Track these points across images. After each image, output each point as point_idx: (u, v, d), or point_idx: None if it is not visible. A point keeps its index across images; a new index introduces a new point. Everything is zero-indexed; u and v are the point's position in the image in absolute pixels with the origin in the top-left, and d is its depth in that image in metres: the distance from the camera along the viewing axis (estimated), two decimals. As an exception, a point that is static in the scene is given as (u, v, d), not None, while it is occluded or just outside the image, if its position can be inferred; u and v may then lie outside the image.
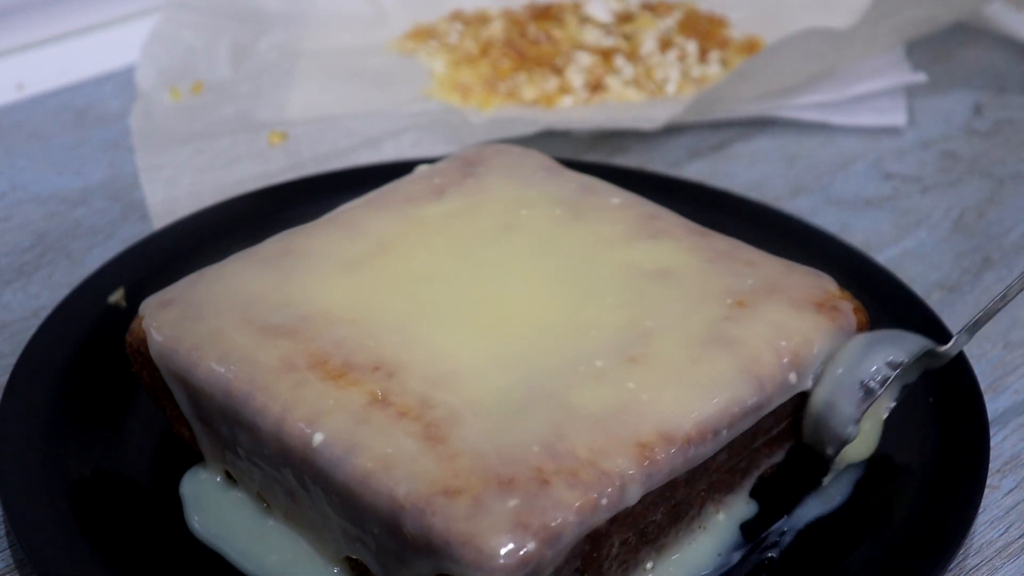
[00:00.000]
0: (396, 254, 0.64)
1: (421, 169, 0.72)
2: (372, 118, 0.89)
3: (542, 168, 0.71)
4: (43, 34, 1.03)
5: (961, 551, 0.60)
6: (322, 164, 0.83)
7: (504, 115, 0.90)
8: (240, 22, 0.98)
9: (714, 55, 0.97)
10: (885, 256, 0.79)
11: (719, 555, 0.59)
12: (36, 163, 0.89)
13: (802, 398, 0.62)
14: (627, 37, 0.98)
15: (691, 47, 0.97)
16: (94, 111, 0.95)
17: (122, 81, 0.95)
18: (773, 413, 0.60)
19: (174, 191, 0.82)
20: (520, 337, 0.59)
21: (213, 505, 0.61)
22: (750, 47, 0.99)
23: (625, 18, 0.99)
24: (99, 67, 0.99)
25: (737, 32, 1.01)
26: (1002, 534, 0.62)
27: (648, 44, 0.96)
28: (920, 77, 0.93)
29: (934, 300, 0.75)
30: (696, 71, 0.95)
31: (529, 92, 0.92)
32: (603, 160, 0.87)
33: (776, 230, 0.75)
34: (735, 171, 0.88)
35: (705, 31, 0.99)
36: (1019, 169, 0.89)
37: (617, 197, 0.69)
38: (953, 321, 0.73)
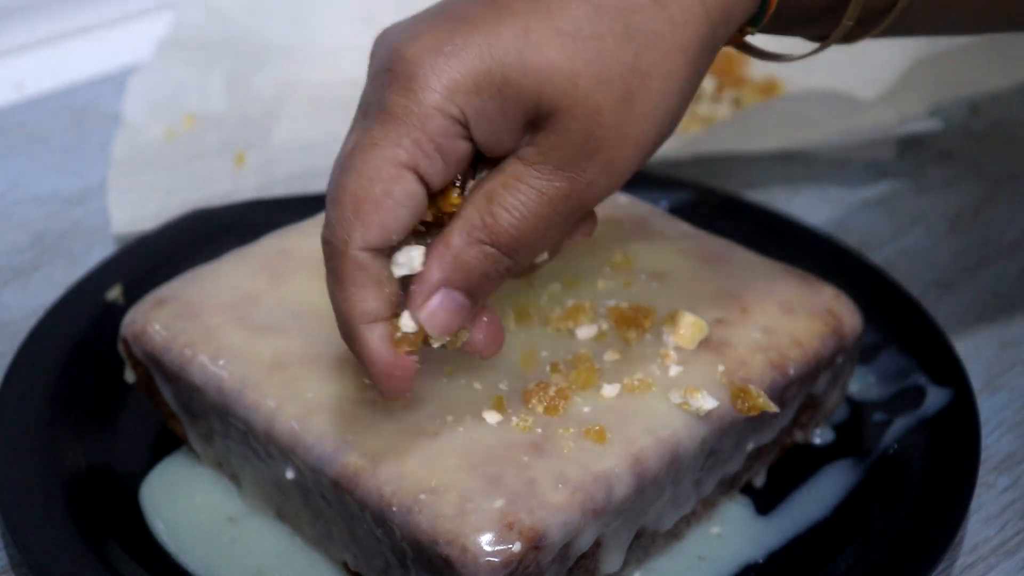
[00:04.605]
0: (390, 254, 0.64)
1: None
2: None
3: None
4: (43, 34, 1.03)
5: (956, 549, 0.61)
6: (293, 184, 0.81)
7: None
8: (236, 56, 0.96)
9: (728, 94, 0.94)
10: (881, 255, 0.79)
11: (706, 559, 0.60)
12: (35, 163, 0.89)
13: (810, 399, 0.62)
14: None
15: (708, 84, 0.94)
16: (93, 111, 0.95)
17: (121, 82, 0.95)
18: (773, 416, 0.60)
19: (140, 212, 0.80)
20: (512, 337, 0.59)
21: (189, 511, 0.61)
22: (767, 89, 0.95)
23: None
24: (99, 67, 0.99)
25: (757, 70, 0.97)
26: (998, 532, 0.62)
27: None
28: (935, 124, 0.88)
29: (930, 299, 0.75)
30: (704, 109, 0.93)
31: None
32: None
33: (772, 230, 0.75)
34: (731, 170, 0.88)
35: (722, 67, 0.95)
36: (1015, 168, 0.89)
37: (612, 198, 0.68)
38: (949, 320, 0.73)
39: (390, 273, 0.49)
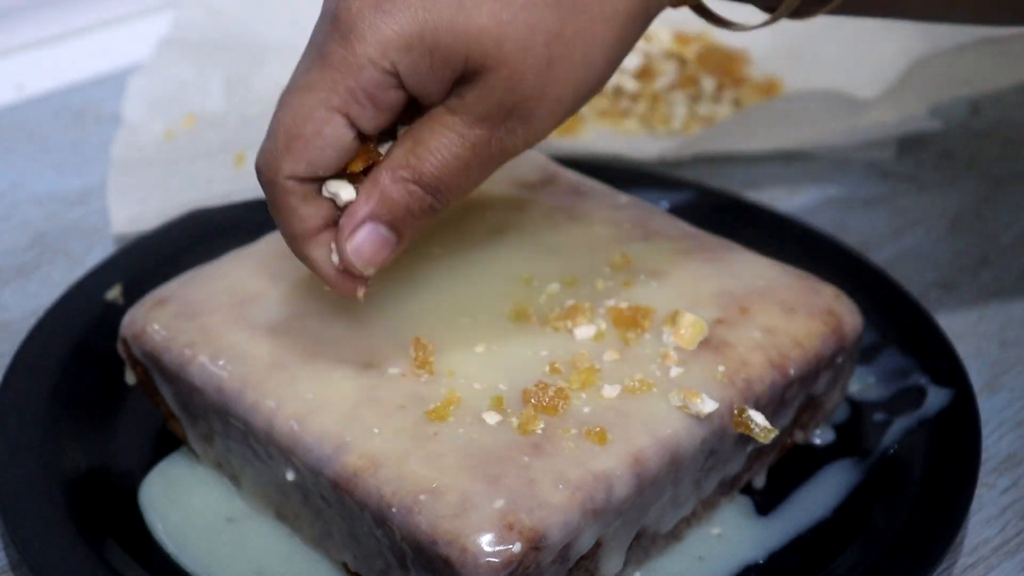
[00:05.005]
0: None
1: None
2: None
3: (539, 169, 0.71)
4: (43, 34, 1.03)
5: (957, 549, 0.61)
6: None
7: None
8: (236, 56, 0.96)
9: (728, 94, 0.94)
10: (882, 255, 0.79)
11: (707, 559, 0.60)
12: (35, 163, 0.89)
13: (810, 399, 0.62)
14: (646, 80, 0.95)
15: (708, 84, 0.94)
16: (93, 111, 0.95)
17: (121, 82, 0.95)
18: (774, 419, 0.60)
19: (140, 212, 0.80)
20: (512, 337, 0.59)
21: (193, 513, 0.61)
22: (767, 89, 0.95)
23: (646, 72, 0.95)
24: (98, 67, 0.99)
25: (757, 69, 0.97)
26: (998, 532, 0.62)
27: (662, 81, 0.94)
28: (935, 124, 0.89)
29: (931, 299, 0.75)
30: (705, 109, 0.93)
31: None
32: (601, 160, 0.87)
33: (772, 230, 0.75)
34: (731, 171, 0.88)
35: (724, 67, 0.96)
36: (1016, 168, 0.89)
37: (612, 198, 0.69)
38: (949, 320, 0.73)
39: (319, 192, 0.53)
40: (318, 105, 0.51)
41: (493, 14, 0.50)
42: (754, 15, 0.59)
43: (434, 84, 0.51)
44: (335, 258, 0.53)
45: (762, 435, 0.56)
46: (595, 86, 0.52)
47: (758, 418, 0.56)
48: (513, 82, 0.50)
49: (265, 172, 0.52)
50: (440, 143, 0.51)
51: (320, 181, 0.52)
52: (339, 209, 0.53)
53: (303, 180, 0.52)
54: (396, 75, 0.50)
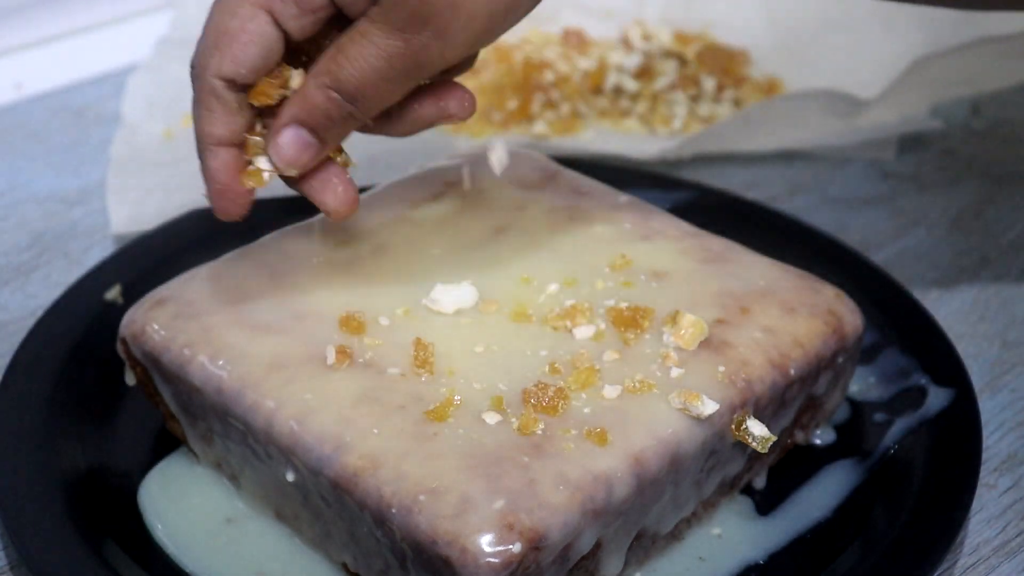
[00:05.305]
0: (390, 254, 0.64)
1: (418, 169, 0.72)
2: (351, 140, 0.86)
3: (539, 169, 0.71)
4: (42, 34, 1.03)
5: (957, 550, 0.61)
6: None
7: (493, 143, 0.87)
8: None
9: (728, 94, 0.94)
10: (882, 255, 0.79)
11: (707, 559, 0.60)
12: (34, 163, 0.89)
13: (810, 399, 0.62)
14: (646, 80, 0.95)
15: (708, 84, 0.94)
16: (92, 111, 0.95)
17: (121, 81, 0.95)
18: (774, 419, 0.60)
19: (140, 212, 0.80)
20: (512, 337, 0.59)
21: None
22: (768, 88, 0.95)
23: (646, 72, 0.95)
24: (98, 67, 0.99)
25: (758, 69, 0.97)
26: (999, 532, 0.62)
27: (662, 81, 0.94)
28: (936, 123, 0.89)
29: (931, 299, 0.75)
30: (705, 109, 0.93)
31: (537, 126, 0.91)
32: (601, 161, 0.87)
33: (772, 230, 0.75)
34: (732, 170, 0.88)
35: (724, 67, 0.96)
36: (1016, 168, 0.89)
37: (613, 198, 0.69)
38: (950, 320, 0.73)
39: (244, 109, 0.55)
40: (243, 2, 0.54)
41: None
42: None
43: None
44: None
45: (760, 445, 0.56)
46: (508, 3, 0.53)
47: (756, 429, 0.56)
48: None
49: (196, 68, 0.55)
50: (358, 52, 0.53)
51: (245, 90, 0.55)
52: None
53: (228, 82, 0.54)
54: None
